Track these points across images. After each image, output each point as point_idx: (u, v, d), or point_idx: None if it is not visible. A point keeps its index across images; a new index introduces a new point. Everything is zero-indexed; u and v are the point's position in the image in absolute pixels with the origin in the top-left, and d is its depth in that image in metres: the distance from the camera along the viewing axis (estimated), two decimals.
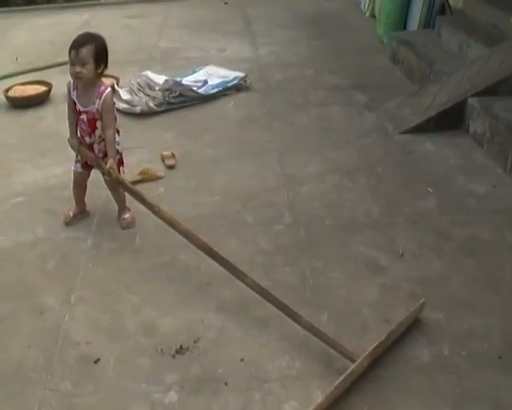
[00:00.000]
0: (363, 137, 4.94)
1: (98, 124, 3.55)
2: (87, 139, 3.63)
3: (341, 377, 2.51)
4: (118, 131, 3.70)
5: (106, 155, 3.62)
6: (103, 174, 3.59)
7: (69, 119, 3.65)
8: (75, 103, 3.57)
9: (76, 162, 3.73)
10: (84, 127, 3.60)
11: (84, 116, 3.55)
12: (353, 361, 2.62)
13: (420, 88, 5.65)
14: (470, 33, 5.96)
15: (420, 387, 2.59)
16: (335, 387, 2.48)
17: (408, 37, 6.78)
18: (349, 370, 2.56)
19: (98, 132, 3.58)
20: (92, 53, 3.40)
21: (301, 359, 2.74)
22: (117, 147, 3.67)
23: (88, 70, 3.40)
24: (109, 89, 3.54)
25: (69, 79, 3.55)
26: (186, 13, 9.65)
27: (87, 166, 3.70)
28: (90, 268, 3.45)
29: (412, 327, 2.90)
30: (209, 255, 3.14)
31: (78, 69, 3.38)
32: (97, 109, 3.50)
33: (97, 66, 3.44)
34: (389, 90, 5.87)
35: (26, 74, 6.64)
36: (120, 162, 3.74)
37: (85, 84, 3.50)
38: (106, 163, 3.51)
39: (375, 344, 2.68)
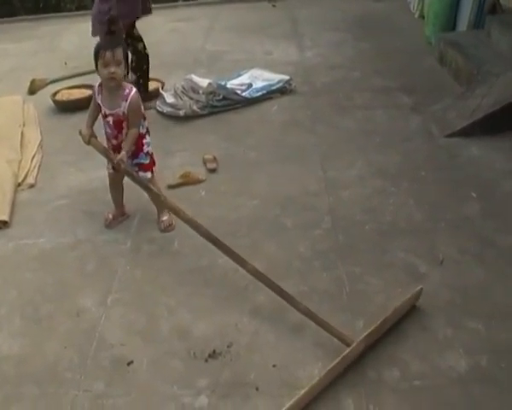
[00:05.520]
0: (408, 141, 4.85)
1: (124, 124, 3.57)
2: (113, 141, 3.66)
3: (336, 361, 2.58)
4: (148, 132, 3.73)
5: (133, 154, 3.66)
6: (113, 166, 3.59)
7: (90, 111, 3.67)
8: (100, 107, 3.60)
9: (108, 163, 3.75)
10: (109, 130, 3.64)
11: (110, 118, 3.58)
12: (348, 346, 2.66)
13: (467, 90, 5.51)
14: None
15: (455, 398, 2.52)
16: (329, 370, 2.56)
17: (456, 37, 6.63)
18: (343, 354, 2.61)
19: (125, 131, 3.60)
20: (124, 53, 3.45)
21: None
22: (147, 148, 3.71)
23: (122, 70, 3.44)
24: (134, 90, 3.55)
25: None
26: (233, 16, 9.69)
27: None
28: (128, 270, 3.49)
29: (447, 334, 2.84)
30: (213, 243, 3.19)
31: (113, 69, 3.39)
32: (123, 112, 3.52)
33: (125, 66, 3.49)
34: (436, 93, 5.74)
35: (73, 78, 6.77)
36: (152, 162, 3.78)
37: (111, 87, 3.51)
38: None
39: (370, 330, 2.71)
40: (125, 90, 3.52)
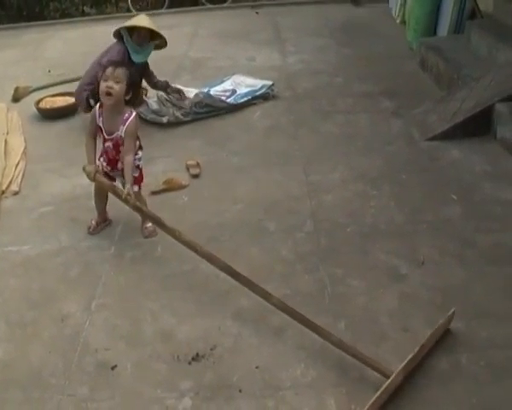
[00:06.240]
0: (389, 144, 4.91)
1: (121, 148, 3.62)
2: (110, 157, 3.71)
3: (377, 394, 2.46)
4: (141, 147, 3.77)
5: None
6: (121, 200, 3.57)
7: (87, 146, 3.68)
8: (101, 130, 3.64)
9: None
10: (108, 151, 3.67)
11: (109, 143, 3.63)
12: (387, 377, 2.57)
13: (447, 94, 5.58)
14: (499, 37, 5.86)
15: (436, 396, 2.56)
16: (371, 404, 2.43)
17: (437, 42, 6.72)
18: (384, 386, 2.51)
19: (122, 155, 3.64)
20: (127, 75, 3.53)
21: (316, 367, 2.74)
22: (138, 162, 3.74)
23: (120, 89, 3.49)
24: (134, 114, 3.60)
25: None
26: (217, 23, 9.73)
27: (108, 177, 3.73)
28: (112, 276, 3.50)
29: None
30: (231, 276, 3.12)
31: (110, 84, 3.46)
32: (120, 136, 3.57)
33: (127, 91, 3.54)
34: (417, 97, 5.81)
35: (57, 86, 6.78)
36: (141, 177, 3.80)
37: (112, 111, 3.56)
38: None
39: (409, 358, 2.63)
40: (124, 114, 3.57)
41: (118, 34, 5.36)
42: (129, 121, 3.55)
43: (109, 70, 3.51)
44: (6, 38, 9.69)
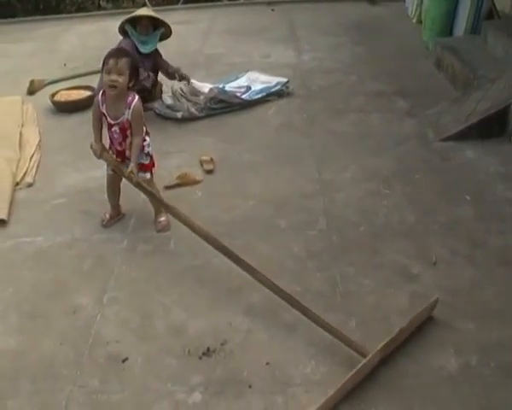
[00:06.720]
0: (402, 144, 4.89)
1: (129, 132, 3.64)
2: (118, 147, 3.72)
3: (352, 372, 2.54)
4: (148, 134, 3.78)
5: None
6: (125, 178, 3.63)
7: (94, 126, 3.72)
8: (105, 116, 3.64)
9: (108, 165, 3.80)
10: (116, 136, 3.68)
11: (116, 128, 3.64)
12: (365, 357, 2.64)
13: (463, 94, 5.56)
14: None
15: (445, 397, 2.56)
16: (346, 380, 2.52)
17: (453, 42, 6.68)
18: (360, 364, 2.58)
19: (129, 140, 3.66)
20: (129, 65, 3.51)
21: (326, 364, 2.75)
22: (148, 149, 3.75)
23: (123, 81, 3.49)
24: (137, 97, 3.61)
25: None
26: (232, 19, 9.73)
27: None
28: (124, 270, 3.52)
29: (439, 334, 2.88)
30: (226, 255, 3.19)
31: (114, 77, 3.46)
32: (127, 119, 3.58)
33: (130, 79, 3.54)
34: (432, 97, 5.78)
35: (72, 79, 6.82)
36: (152, 164, 3.82)
37: (115, 98, 3.56)
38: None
39: (386, 341, 2.69)
40: (128, 97, 3.58)
41: (122, 31, 5.51)
42: (134, 103, 3.56)
43: (111, 63, 3.47)
44: (22, 32, 9.74)
